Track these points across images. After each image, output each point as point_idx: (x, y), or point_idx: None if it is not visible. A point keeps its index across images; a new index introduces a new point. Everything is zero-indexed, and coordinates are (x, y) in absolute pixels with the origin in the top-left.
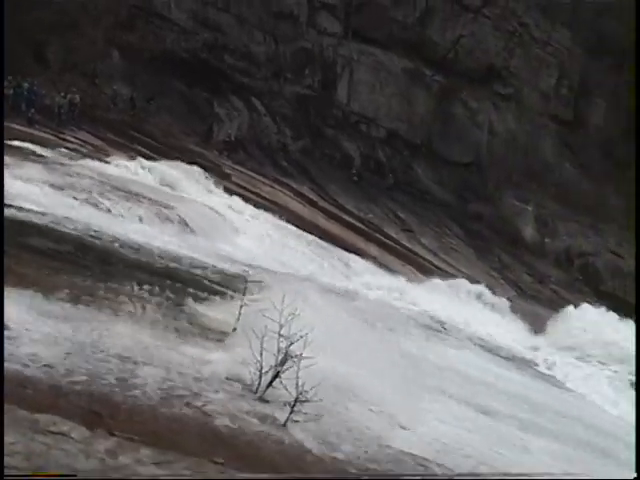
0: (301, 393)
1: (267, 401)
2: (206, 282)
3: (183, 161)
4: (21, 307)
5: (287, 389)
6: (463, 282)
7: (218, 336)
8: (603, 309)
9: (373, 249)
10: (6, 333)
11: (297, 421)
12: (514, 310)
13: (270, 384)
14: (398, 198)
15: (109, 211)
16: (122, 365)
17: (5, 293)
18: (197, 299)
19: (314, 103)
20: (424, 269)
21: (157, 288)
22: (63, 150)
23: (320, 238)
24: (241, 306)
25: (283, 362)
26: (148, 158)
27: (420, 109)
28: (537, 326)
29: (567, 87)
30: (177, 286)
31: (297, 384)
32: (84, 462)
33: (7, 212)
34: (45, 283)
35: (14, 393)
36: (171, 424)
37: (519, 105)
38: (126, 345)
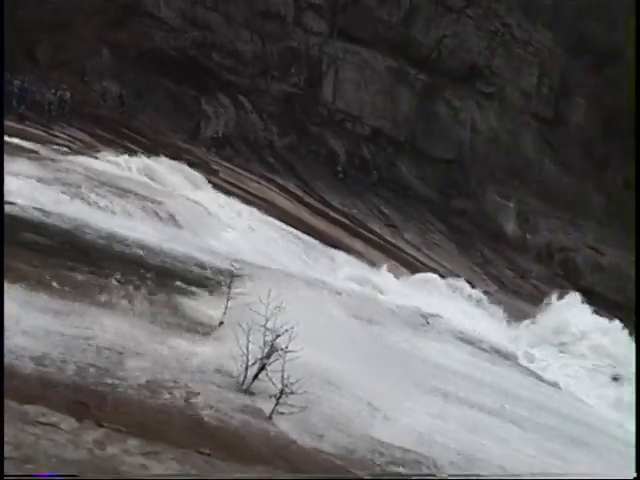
0: (286, 385)
1: (253, 393)
2: (193, 276)
3: (171, 157)
4: (11, 300)
5: (273, 381)
6: (445, 277)
7: (205, 329)
8: (583, 303)
9: (357, 244)
10: None
11: (282, 413)
12: (496, 304)
13: (256, 376)
14: (382, 194)
15: (98, 206)
16: (110, 357)
17: None
18: (184, 293)
19: (300, 101)
20: (407, 264)
21: (145, 282)
22: (53, 146)
23: (306, 233)
24: (228, 300)
25: (269, 355)
26: (137, 154)
27: (404, 107)
28: (518, 320)
29: (548, 86)
30: (165, 280)
31: (282, 377)
32: (72, 452)
33: None
34: (34, 277)
35: (4, 385)
36: (158, 415)
37: (501, 103)
38: (114, 338)
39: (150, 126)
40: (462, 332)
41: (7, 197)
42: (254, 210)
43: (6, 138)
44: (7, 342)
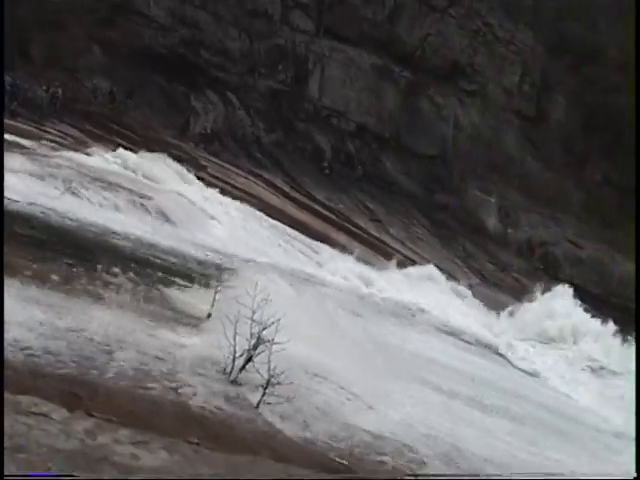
0: (273, 376)
1: (240, 384)
2: (182, 269)
3: (161, 153)
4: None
5: (259, 372)
6: (429, 270)
7: (193, 321)
8: (563, 296)
9: (343, 238)
10: None
11: (269, 403)
12: (477, 297)
13: (243, 368)
14: (367, 189)
15: (89, 201)
16: (101, 349)
17: None
18: (174, 286)
19: (287, 97)
20: (392, 258)
21: (135, 275)
22: (45, 142)
23: (292, 227)
24: (215, 292)
25: (256, 346)
26: (127, 150)
27: (388, 104)
28: (499, 312)
29: (529, 84)
30: (154, 273)
31: (269, 367)
32: (64, 442)
33: None
34: (26, 270)
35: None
36: (148, 406)
37: (483, 101)
38: (105, 330)
39: (140, 122)
40: (445, 324)
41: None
42: (242, 205)
43: None
44: None
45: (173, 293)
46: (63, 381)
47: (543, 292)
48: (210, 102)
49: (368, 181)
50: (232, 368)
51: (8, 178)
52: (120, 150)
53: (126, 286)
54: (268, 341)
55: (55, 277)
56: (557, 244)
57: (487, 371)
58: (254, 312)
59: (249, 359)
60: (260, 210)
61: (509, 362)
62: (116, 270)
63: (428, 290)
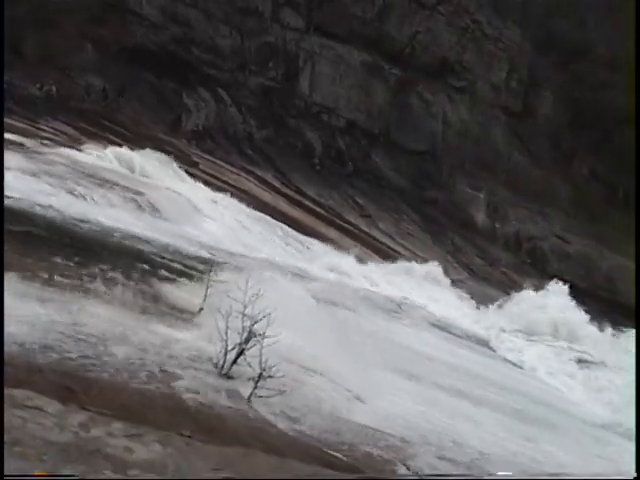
0: (264, 370)
1: (232, 377)
2: (174, 264)
3: (153, 149)
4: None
5: (251, 366)
6: (418, 265)
7: (186, 316)
8: (551, 290)
9: (333, 233)
10: None
11: (261, 396)
12: (466, 291)
13: (235, 361)
14: (357, 185)
15: (83, 197)
16: (94, 343)
17: None
18: (166, 280)
19: (278, 94)
20: (381, 252)
21: (128, 270)
22: (39, 139)
23: (283, 223)
24: (207, 287)
25: (247, 340)
26: (120, 146)
27: (378, 100)
28: (488, 306)
29: (517, 80)
30: (147, 268)
31: (260, 361)
32: (58, 435)
33: None
34: (21, 265)
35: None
36: (141, 399)
37: (472, 97)
38: (98, 324)
39: (132, 119)
40: (435, 318)
41: None
42: (233, 201)
43: None
44: None
45: (165, 287)
46: (57, 375)
47: (537, 290)
48: (202, 99)
49: (358, 177)
50: (224, 362)
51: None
52: (113, 147)
53: (118, 280)
54: (260, 335)
55: (48, 272)
56: (545, 239)
57: (477, 364)
58: (245, 306)
59: (241, 352)
60: (251, 206)
61: (498, 355)
62: (108, 265)
63: (418, 285)
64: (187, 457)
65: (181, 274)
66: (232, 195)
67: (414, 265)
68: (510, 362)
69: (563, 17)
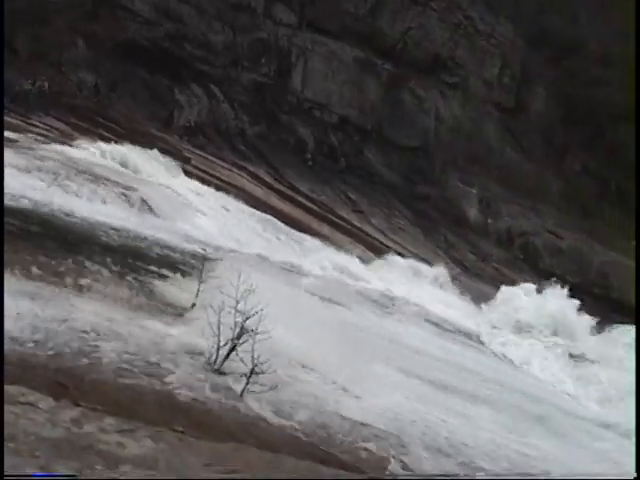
0: (256, 365)
1: (224, 373)
2: (167, 260)
3: (145, 145)
4: None
5: (243, 361)
6: (410, 260)
7: (178, 311)
8: (544, 286)
9: (325, 229)
10: None
11: (253, 392)
12: (459, 287)
13: (227, 357)
14: (350, 181)
15: (75, 193)
16: (86, 339)
17: None
18: (158, 276)
19: (270, 90)
20: (374, 248)
21: (120, 266)
22: (31, 135)
23: (275, 218)
24: (200, 283)
25: (239, 336)
26: (112, 142)
27: (370, 96)
28: (480, 301)
29: (509, 76)
30: (139, 264)
31: (253, 357)
32: (50, 430)
33: None
34: (13, 261)
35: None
36: (133, 395)
37: (464, 93)
38: (90, 320)
39: (125, 115)
40: (428, 313)
41: None
42: (226, 196)
43: None
44: None
45: (158, 283)
46: (49, 371)
47: (529, 285)
48: (194, 95)
49: (350, 173)
50: (216, 357)
51: None
52: (105, 143)
53: (111, 277)
54: (252, 330)
55: (41, 268)
56: (537, 234)
57: (469, 359)
58: (238, 302)
59: (233, 348)
60: (244, 201)
61: (490, 350)
62: (101, 261)
63: (411, 281)
64: (179, 453)
65: (174, 270)
66: (224, 190)
67: (406, 261)
68: (502, 357)
69: (556, 13)
